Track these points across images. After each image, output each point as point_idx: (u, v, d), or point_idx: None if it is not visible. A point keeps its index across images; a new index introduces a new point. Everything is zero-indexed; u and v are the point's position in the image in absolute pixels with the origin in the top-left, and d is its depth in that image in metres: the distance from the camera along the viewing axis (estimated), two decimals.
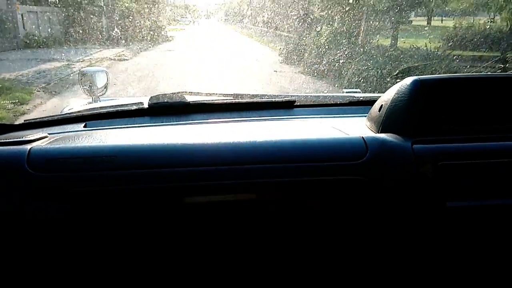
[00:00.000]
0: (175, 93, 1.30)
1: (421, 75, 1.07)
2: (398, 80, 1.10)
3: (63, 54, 10.96)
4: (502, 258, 1.02)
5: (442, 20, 11.34)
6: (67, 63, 9.86)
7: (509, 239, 0.99)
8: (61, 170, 0.88)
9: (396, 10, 8.54)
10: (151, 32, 11.95)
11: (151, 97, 1.27)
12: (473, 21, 9.70)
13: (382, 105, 1.07)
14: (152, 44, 12.29)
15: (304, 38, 9.50)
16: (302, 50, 9.19)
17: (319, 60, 7.78)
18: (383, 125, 1.04)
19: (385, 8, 8.47)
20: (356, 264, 1.00)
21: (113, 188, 0.87)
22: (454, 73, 4.76)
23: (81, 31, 11.81)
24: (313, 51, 8.46)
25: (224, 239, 0.93)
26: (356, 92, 1.56)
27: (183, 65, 10.00)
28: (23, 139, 0.99)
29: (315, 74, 8.19)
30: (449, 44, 8.20)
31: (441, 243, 0.97)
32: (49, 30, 12.60)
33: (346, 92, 1.58)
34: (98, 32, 12.07)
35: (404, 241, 0.96)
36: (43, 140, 1.03)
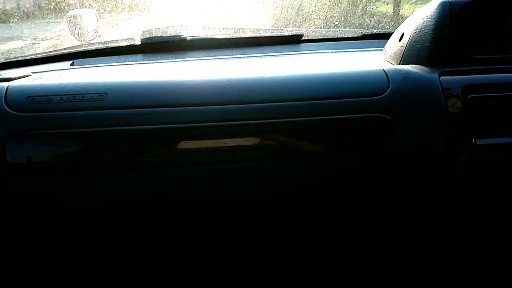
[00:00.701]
0: (169, 27, 1.28)
1: None
2: (418, 8, 1.08)
3: (30, 30, 10.60)
4: None
5: None
6: (32, 41, 9.52)
7: None
8: (44, 110, 0.85)
9: None
10: (131, 3, 11.73)
11: (143, 32, 1.26)
12: None
13: (403, 33, 1.05)
14: (131, 14, 12.11)
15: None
16: (298, 15, 9.02)
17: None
18: (405, 56, 1.02)
19: None
20: (380, 209, 0.99)
21: (104, 130, 0.85)
22: None
23: (54, 2, 11.52)
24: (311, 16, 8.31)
25: (228, 184, 0.92)
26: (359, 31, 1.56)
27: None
28: (2, 76, 0.96)
29: None
30: None
31: (469, 186, 0.97)
32: (16, 3, 12.29)
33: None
34: (74, 2, 11.75)
35: (429, 182, 0.96)
36: (25, 79, 1.00)
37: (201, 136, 0.88)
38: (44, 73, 1.12)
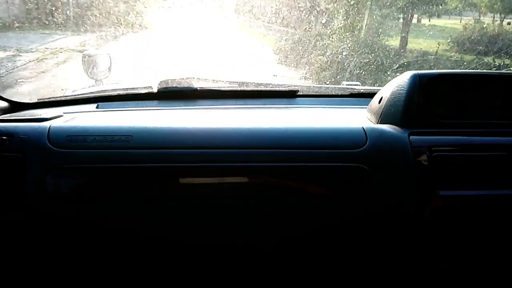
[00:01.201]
0: (183, 78, 1.57)
1: (420, 69, 1.30)
2: (397, 74, 1.35)
3: (16, 41, 10.10)
4: (492, 244, 1.28)
5: (429, 19, 11.81)
6: (14, 53, 9.12)
7: (498, 227, 1.25)
8: (80, 147, 1.12)
9: (410, 7, 8.80)
10: (126, 18, 12.00)
11: (160, 81, 1.55)
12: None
13: (382, 97, 1.33)
14: (127, 31, 12.28)
15: (308, 34, 9.47)
16: (306, 50, 9.03)
17: (331, 65, 7.76)
18: (382, 117, 1.29)
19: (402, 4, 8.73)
20: (353, 249, 1.25)
21: (129, 166, 1.12)
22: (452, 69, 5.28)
23: (44, 14, 11.62)
24: (323, 52, 8.37)
25: (229, 216, 1.18)
26: (356, 84, 1.84)
27: (158, 60, 8.71)
28: (41, 116, 1.23)
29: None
30: (462, 48, 8.53)
31: (433, 230, 1.22)
32: (7, 11, 12.48)
33: (346, 85, 1.86)
34: (64, 16, 11.96)
35: (398, 226, 1.21)
36: (59, 119, 1.27)
37: (207, 174, 1.15)
38: (75, 114, 1.39)
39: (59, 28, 11.52)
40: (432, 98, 1.26)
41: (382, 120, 1.29)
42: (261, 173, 1.16)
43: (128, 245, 1.20)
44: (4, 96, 1.40)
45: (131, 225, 1.16)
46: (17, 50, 9.42)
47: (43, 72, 6.82)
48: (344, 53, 7.13)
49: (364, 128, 1.23)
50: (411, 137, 1.21)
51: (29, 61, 8.05)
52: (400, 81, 1.29)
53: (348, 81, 6.65)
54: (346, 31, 8.03)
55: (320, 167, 1.17)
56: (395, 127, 1.25)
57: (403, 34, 9.20)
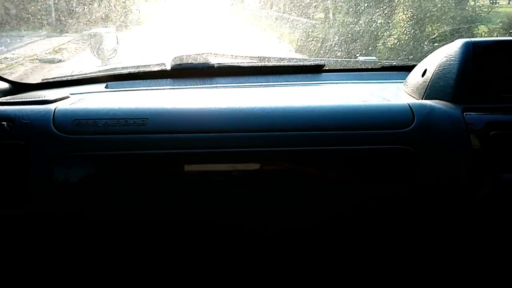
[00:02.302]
0: (198, 54, 1.66)
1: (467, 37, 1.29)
2: (436, 44, 1.41)
3: None
4: None
5: None
6: None
7: None
8: (90, 132, 1.13)
9: None
10: (116, 13, 12.17)
11: (174, 58, 1.63)
12: None
13: (425, 69, 1.34)
14: (116, 29, 12.34)
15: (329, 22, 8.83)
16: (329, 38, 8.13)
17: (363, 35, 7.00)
18: (428, 92, 1.30)
19: None
20: (395, 240, 1.27)
21: (145, 153, 1.14)
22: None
23: (22, 12, 11.74)
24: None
25: (254, 204, 1.21)
26: (372, 59, 1.91)
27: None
28: (46, 98, 1.27)
29: None
30: None
31: (495, 217, 1.22)
32: None
33: (362, 60, 1.93)
34: (45, 14, 12.10)
35: (448, 215, 1.21)
36: (65, 100, 1.32)
37: (230, 160, 1.17)
38: (82, 95, 1.46)
39: (39, 28, 11.32)
40: (488, 69, 1.26)
41: (427, 96, 1.30)
42: (290, 159, 1.18)
43: (140, 237, 1.23)
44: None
45: (145, 216, 1.19)
46: None
47: None
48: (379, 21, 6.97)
49: (410, 105, 1.23)
50: (465, 113, 1.21)
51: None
52: (449, 51, 1.29)
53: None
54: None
55: (357, 150, 1.17)
56: (445, 103, 1.25)
57: None
